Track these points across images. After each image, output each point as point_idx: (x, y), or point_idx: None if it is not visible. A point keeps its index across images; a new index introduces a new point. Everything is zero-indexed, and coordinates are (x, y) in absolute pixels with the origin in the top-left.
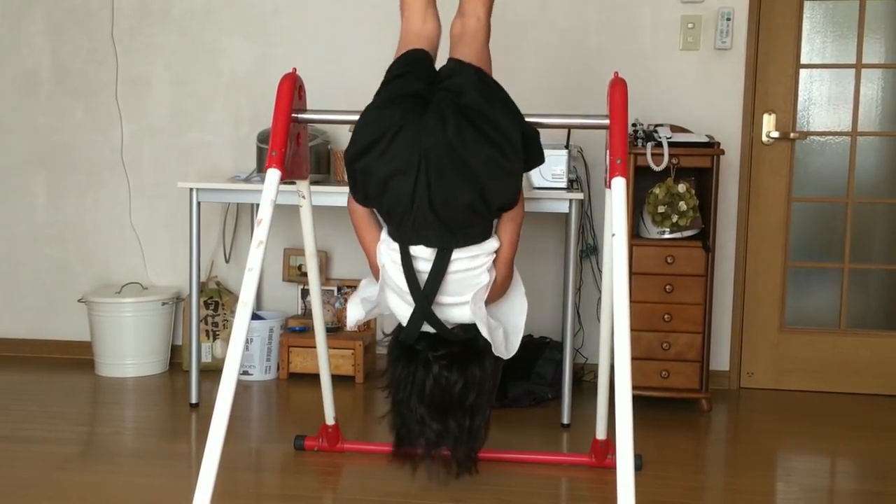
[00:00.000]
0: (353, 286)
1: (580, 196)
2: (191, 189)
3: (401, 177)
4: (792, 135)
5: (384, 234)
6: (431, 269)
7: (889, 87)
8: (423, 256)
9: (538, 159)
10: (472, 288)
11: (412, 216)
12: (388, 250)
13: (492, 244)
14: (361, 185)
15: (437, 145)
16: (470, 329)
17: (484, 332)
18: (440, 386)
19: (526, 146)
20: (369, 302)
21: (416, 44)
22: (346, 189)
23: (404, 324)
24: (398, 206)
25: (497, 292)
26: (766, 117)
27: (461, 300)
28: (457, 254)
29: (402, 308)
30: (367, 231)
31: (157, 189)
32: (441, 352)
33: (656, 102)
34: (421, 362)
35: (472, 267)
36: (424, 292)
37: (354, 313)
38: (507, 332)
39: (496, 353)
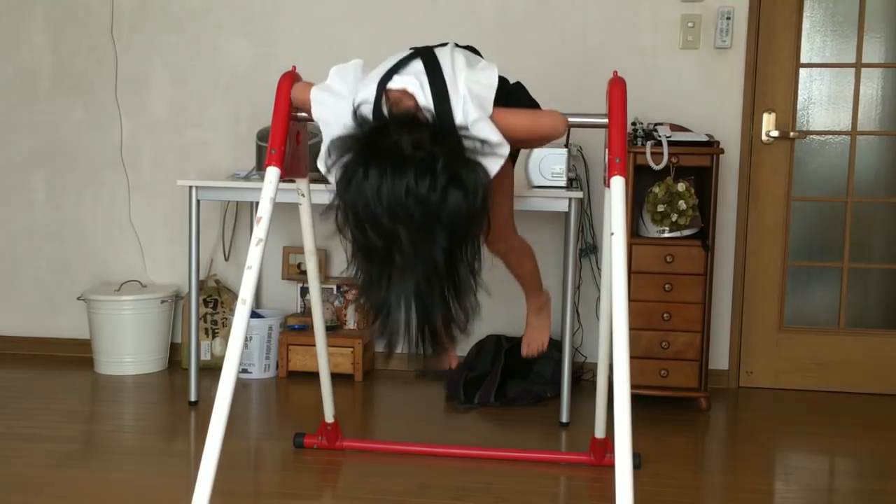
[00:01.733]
0: (352, 284)
1: (579, 195)
2: (190, 187)
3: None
4: (791, 134)
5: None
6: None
7: (889, 86)
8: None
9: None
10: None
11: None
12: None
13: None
14: None
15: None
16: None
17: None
18: (417, 196)
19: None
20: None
21: None
22: None
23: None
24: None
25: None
26: (765, 116)
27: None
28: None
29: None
30: None
31: (156, 187)
32: (415, 135)
33: (656, 101)
34: (392, 156)
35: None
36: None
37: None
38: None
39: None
